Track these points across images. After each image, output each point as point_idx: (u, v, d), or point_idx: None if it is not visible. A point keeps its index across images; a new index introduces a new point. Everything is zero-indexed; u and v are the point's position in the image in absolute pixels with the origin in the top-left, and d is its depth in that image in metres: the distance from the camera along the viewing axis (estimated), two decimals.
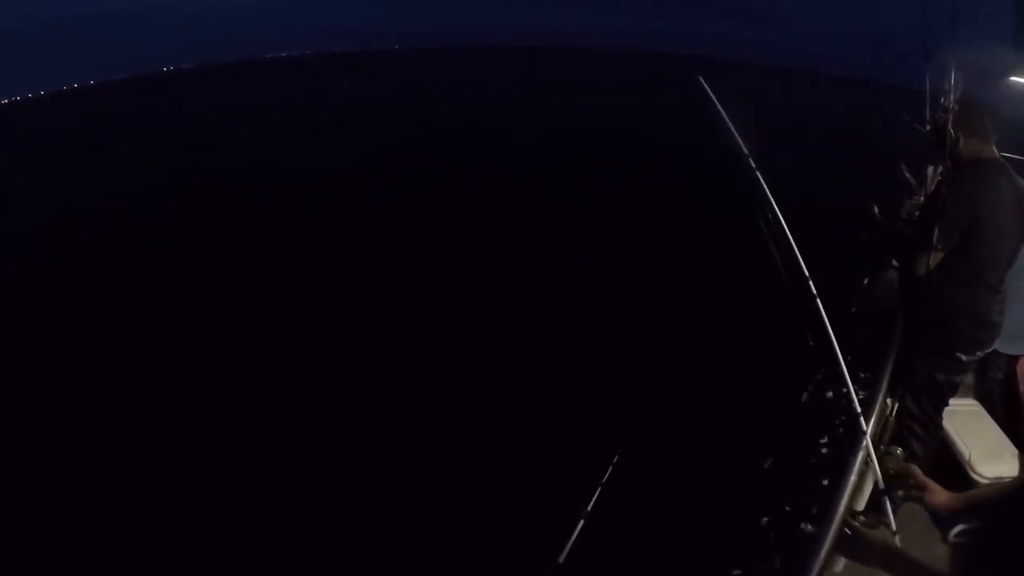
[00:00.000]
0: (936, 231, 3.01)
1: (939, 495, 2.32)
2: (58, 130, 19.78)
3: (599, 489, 2.57)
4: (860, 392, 2.88)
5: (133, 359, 7.74)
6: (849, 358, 2.84)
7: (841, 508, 2.45)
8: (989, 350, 3.25)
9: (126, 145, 17.40)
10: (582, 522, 2.42)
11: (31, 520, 5.14)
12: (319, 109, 20.35)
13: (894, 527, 2.56)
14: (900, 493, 2.44)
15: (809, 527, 2.60)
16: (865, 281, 3.88)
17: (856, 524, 2.69)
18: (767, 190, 3.07)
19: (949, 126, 3.14)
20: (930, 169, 4.73)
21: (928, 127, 4.01)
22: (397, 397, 6.95)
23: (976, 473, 3.26)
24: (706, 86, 3.49)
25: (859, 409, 2.74)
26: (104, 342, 8.18)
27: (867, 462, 2.65)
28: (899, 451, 3.13)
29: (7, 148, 17.79)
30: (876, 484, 2.70)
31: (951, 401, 3.38)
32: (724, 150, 3.32)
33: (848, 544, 2.58)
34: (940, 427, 3.37)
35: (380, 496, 5.50)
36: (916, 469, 2.52)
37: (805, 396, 3.25)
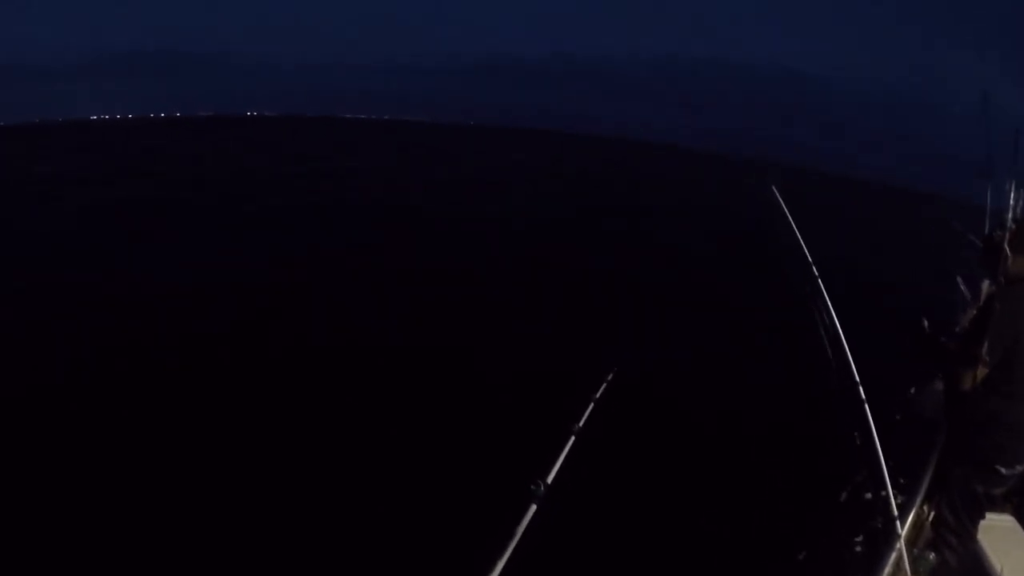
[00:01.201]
0: (983, 346, 3.16)
1: None
2: (121, 151, 21.06)
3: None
4: (898, 496, 3.00)
5: (133, 360, 8.00)
6: (891, 463, 2.97)
7: None
8: None
9: (174, 175, 18.50)
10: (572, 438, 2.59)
11: (31, 520, 5.25)
12: (373, 177, 21.41)
13: None
14: None
15: None
16: (912, 390, 4.00)
17: None
18: (827, 296, 3.27)
19: (1004, 244, 3.30)
20: (984, 284, 4.85)
21: (980, 243, 4.16)
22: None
23: None
24: (777, 194, 3.73)
25: (896, 512, 2.86)
26: (104, 342, 8.47)
27: (899, 565, 2.77)
28: (932, 556, 3.23)
29: (69, 160, 19.06)
30: None
31: (988, 515, 3.46)
32: (789, 253, 3.55)
33: None
34: (975, 539, 3.44)
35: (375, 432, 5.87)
36: None
37: (844, 496, 3.38)
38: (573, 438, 2.57)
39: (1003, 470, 3.26)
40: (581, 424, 2.68)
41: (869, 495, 3.08)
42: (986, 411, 3.24)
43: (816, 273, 3.34)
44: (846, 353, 3.12)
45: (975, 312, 4.15)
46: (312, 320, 9.48)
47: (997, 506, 3.43)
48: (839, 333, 3.13)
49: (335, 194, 18.42)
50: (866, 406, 3.02)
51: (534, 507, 2.24)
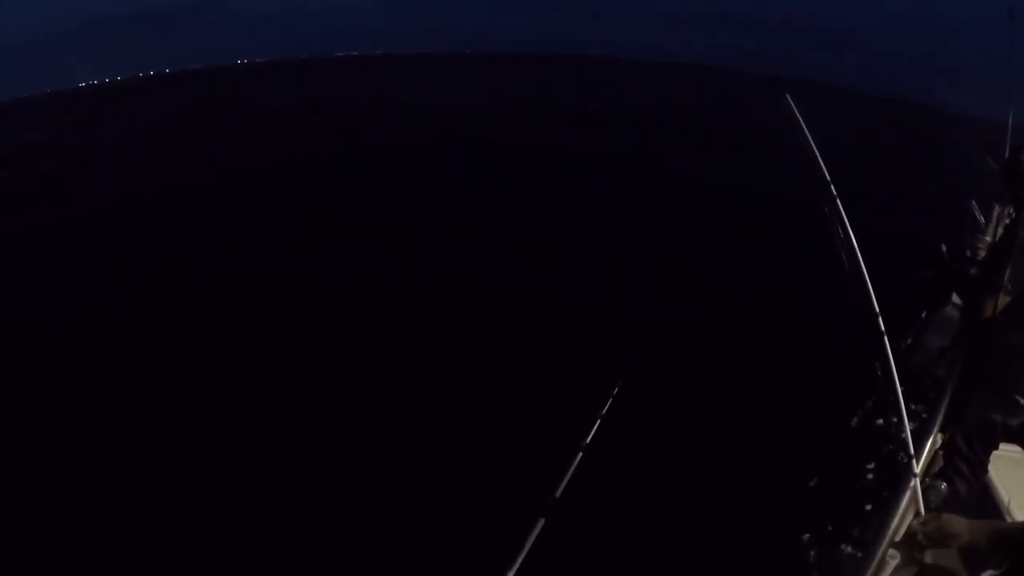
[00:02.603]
0: (1005, 273, 3.02)
1: (957, 524, 2.33)
2: (103, 122, 20.25)
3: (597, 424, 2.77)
4: (912, 424, 2.90)
5: (133, 360, 7.86)
6: (903, 389, 2.86)
7: (887, 538, 2.48)
8: None
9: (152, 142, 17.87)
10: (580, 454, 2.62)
11: (31, 520, 5.34)
12: (377, 107, 20.74)
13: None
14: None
15: (849, 549, 2.64)
16: (923, 314, 3.88)
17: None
18: (845, 217, 3.09)
19: None
20: (997, 209, 4.68)
21: (999, 166, 3.98)
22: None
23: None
24: (792, 105, 3.51)
25: (910, 441, 2.76)
26: (104, 343, 8.32)
27: (913, 497, 2.68)
28: (943, 486, 3.14)
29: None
30: (917, 515, 2.72)
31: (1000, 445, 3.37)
32: (806, 172, 3.36)
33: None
34: (986, 469, 3.36)
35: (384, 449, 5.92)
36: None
37: (855, 420, 3.31)
38: (581, 454, 2.62)
39: (1021, 400, 3.17)
40: (588, 440, 2.74)
41: (880, 420, 3.00)
42: (1007, 340, 3.12)
43: (835, 193, 3.16)
44: (865, 277, 2.96)
45: (995, 239, 4.01)
46: (311, 317, 9.08)
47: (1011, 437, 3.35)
48: (858, 255, 2.97)
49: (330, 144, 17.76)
50: (883, 328, 2.89)
51: (542, 521, 2.29)
